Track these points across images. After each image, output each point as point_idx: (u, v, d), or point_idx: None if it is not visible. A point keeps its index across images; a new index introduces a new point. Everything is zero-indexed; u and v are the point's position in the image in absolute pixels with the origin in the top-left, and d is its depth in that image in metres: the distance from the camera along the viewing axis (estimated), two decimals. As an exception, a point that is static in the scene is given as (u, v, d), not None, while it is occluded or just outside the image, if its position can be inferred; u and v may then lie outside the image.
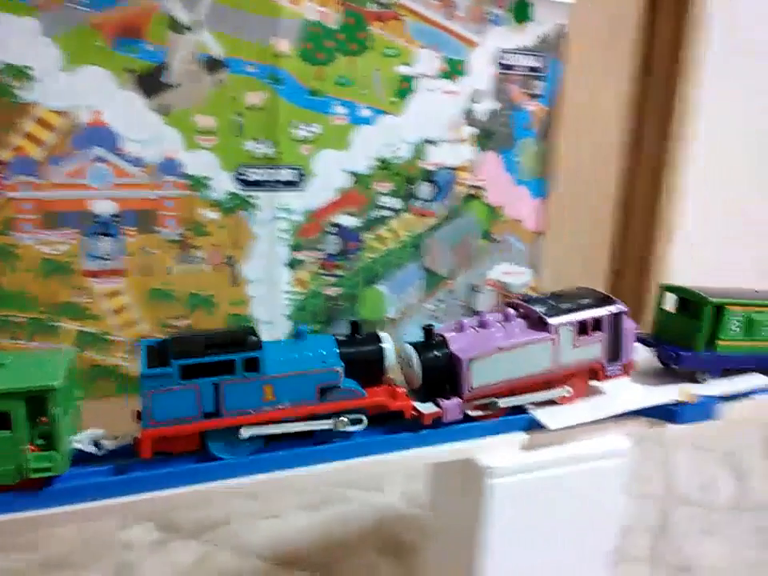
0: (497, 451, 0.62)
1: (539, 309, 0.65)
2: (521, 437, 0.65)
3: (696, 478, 1.14)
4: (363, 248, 1.20)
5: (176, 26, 0.98)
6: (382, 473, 0.85)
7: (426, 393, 0.62)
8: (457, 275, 1.31)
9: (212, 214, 1.06)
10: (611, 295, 0.70)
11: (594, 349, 0.67)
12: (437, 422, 0.61)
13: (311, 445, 0.58)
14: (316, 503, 0.98)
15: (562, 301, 0.67)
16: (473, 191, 1.28)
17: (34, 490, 0.51)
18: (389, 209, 1.20)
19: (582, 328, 0.65)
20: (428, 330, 0.63)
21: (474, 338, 0.63)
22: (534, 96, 1.29)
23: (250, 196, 1.08)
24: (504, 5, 1.21)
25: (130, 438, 0.55)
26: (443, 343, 0.62)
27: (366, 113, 1.14)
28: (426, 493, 0.76)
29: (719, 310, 0.73)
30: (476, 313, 1.35)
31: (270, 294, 1.13)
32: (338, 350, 0.58)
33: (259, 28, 1.03)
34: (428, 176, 1.23)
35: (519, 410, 0.66)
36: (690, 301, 0.76)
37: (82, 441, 0.54)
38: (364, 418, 0.58)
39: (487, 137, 1.26)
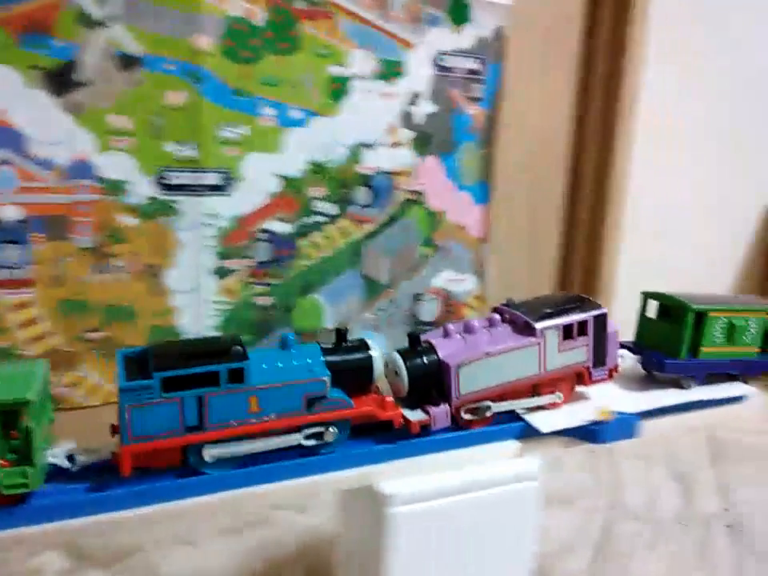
0: (403, 477, 0.57)
1: (524, 314, 0.65)
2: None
3: (641, 489, 1.10)
4: (297, 255, 1.15)
5: (87, 21, 0.92)
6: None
7: (413, 401, 0.61)
8: (398, 283, 1.26)
9: (131, 220, 1.00)
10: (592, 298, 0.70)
11: (579, 353, 0.67)
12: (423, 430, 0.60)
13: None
14: (239, 527, 0.92)
15: (545, 305, 0.67)
16: (413, 196, 1.24)
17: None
18: (324, 214, 1.16)
19: (568, 332, 0.66)
20: (414, 337, 0.62)
21: (461, 343, 0.62)
22: (474, 99, 1.26)
23: (172, 201, 1.03)
24: (441, 5, 1.18)
25: (108, 452, 0.52)
26: (430, 349, 0.62)
27: (296, 114, 1.10)
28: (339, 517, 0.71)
29: (701, 316, 0.73)
30: (419, 322, 1.31)
31: (195, 305, 1.07)
32: (323, 359, 0.57)
33: (179, 24, 0.98)
34: (365, 181, 1.18)
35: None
36: (671, 307, 0.75)
37: (56, 455, 0.52)
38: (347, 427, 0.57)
39: (426, 141, 1.23)
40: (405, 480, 0.57)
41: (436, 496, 0.57)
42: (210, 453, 0.52)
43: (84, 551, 0.89)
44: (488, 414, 0.63)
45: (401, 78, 1.18)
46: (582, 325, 0.66)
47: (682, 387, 0.75)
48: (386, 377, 0.62)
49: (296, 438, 0.55)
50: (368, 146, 1.17)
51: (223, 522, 0.92)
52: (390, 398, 0.59)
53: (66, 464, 0.52)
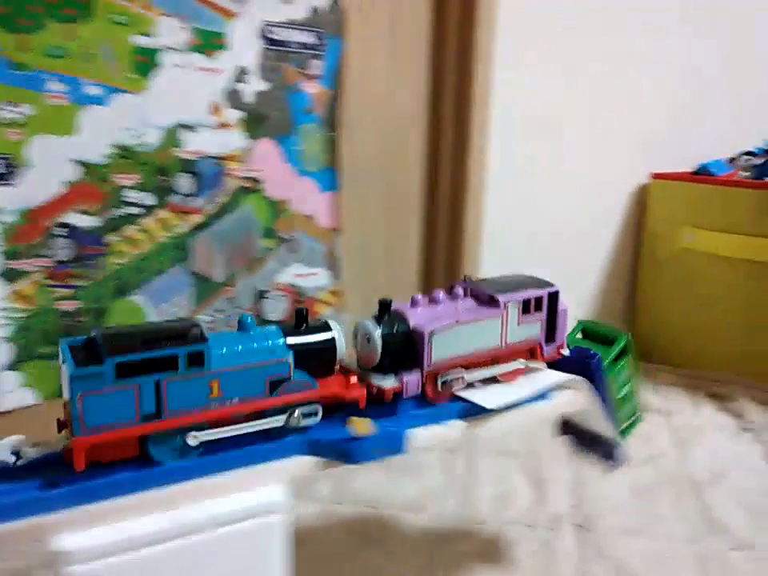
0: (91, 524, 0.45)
1: (487, 288, 0.67)
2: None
3: (494, 490, 1.02)
4: (108, 253, 1.01)
5: None
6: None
7: (383, 370, 0.60)
8: (237, 280, 1.14)
9: None
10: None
11: (534, 328, 0.69)
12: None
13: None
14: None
15: (504, 282, 0.69)
16: (247, 184, 1.12)
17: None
18: (138, 205, 1.02)
19: (526, 306, 0.68)
20: (384, 304, 0.61)
21: (431, 312, 0.63)
22: (312, 76, 1.15)
23: (-62, 192, 0.87)
24: (265, -29, 1.07)
25: (59, 446, 0.49)
26: (401, 317, 0.61)
27: (93, 90, 0.96)
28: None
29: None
30: (265, 322, 1.19)
31: (-24, 313, 0.92)
32: (285, 341, 0.55)
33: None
34: (187, 166, 1.06)
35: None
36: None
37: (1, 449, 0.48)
38: (319, 410, 0.55)
39: (259, 121, 1.11)
40: (92, 529, 0.44)
41: (131, 547, 0.44)
42: (194, 436, 0.49)
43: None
44: (459, 384, 0.62)
45: (223, 52, 1.06)
46: (538, 301, 0.69)
47: None
48: (356, 347, 0.61)
49: (281, 419, 0.53)
50: (188, 127, 1.05)
51: None
52: (355, 379, 0.58)
53: (10, 459, 0.48)
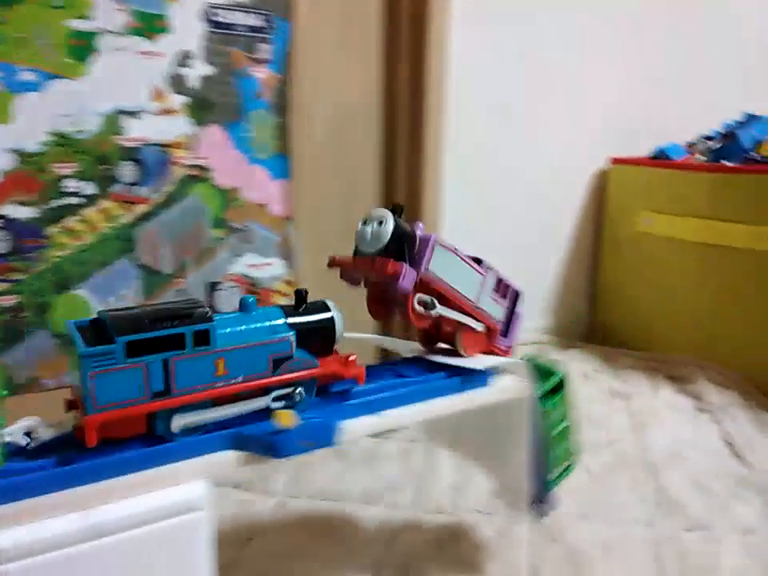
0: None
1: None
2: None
3: (451, 479, 1.01)
4: (48, 245, 0.97)
5: None
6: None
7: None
8: (187, 271, 1.11)
9: None
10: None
11: (499, 310, 0.70)
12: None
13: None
14: None
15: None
16: (195, 172, 1.09)
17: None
18: (78, 195, 0.99)
19: (498, 284, 0.69)
20: (399, 207, 0.62)
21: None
22: (260, 61, 1.12)
23: None
24: (208, -48, 1.04)
25: (69, 426, 0.50)
26: (408, 227, 0.62)
27: (28, 77, 0.92)
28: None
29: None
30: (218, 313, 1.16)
31: None
32: (286, 321, 0.56)
33: None
34: (130, 154, 1.02)
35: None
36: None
37: (12, 432, 0.48)
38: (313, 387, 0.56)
39: (205, 107, 1.08)
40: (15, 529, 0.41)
41: (39, 550, 0.42)
42: (178, 422, 0.49)
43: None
44: (433, 312, 0.62)
45: (165, 35, 1.02)
46: (506, 288, 0.71)
47: None
48: (362, 234, 0.62)
49: (264, 402, 0.53)
50: (130, 113, 1.01)
51: None
52: (354, 357, 0.58)
53: (23, 441, 0.48)
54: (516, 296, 0.72)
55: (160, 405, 0.49)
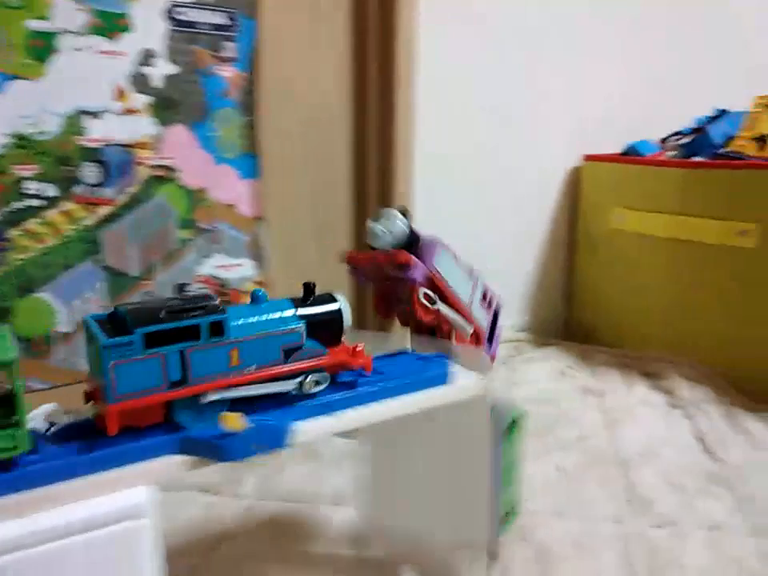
0: None
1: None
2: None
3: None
4: (9, 248, 0.96)
5: None
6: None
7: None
8: (155, 273, 1.10)
9: None
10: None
11: (484, 318, 0.72)
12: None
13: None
14: None
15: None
16: (161, 172, 1.07)
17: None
18: (39, 197, 0.97)
19: (484, 295, 0.72)
20: (404, 210, 0.67)
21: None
22: (226, 59, 1.11)
23: None
24: (170, -50, 1.02)
25: (89, 414, 0.51)
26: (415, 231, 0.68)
27: (-15, 77, 0.91)
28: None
29: None
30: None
31: None
32: (296, 312, 0.58)
33: None
34: (92, 155, 1.01)
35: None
36: None
37: (33, 418, 0.50)
38: (327, 376, 0.58)
39: (170, 107, 1.07)
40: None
41: None
42: (207, 396, 0.51)
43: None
44: (434, 306, 0.65)
45: (127, 34, 1.01)
46: (491, 299, 0.74)
47: None
48: (374, 230, 0.65)
49: (289, 384, 0.56)
50: (92, 113, 1.00)
51: None
52: (361, 347, 0.60)
53: (44, 427, 0.50)
54: (498, 308, 0.75)
55: (178, 394, 0.50)
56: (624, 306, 1.54)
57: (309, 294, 0.60)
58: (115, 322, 0.51)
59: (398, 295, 0.67)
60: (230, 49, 1.10)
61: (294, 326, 0.56)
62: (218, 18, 1.08)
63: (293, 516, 0.92)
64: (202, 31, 1.07)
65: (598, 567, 0.83)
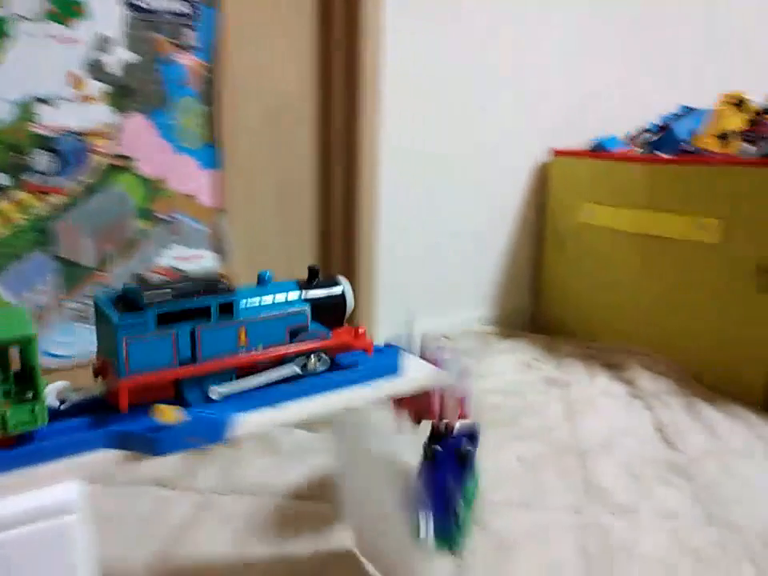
0: None
1: None
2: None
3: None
4: (-43, 237, 0.93)
5: None
6: None
7: None
8: (110, 265, 1.08)
9: None
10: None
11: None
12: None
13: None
14: None
15: None
16: (118, 161, 1.05)
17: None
18: (-11, 185, 0.95)
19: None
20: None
21: None
22: (186, 48, 1.09)
23: None
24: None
25: (98, 390, 0.52)
26: None
27: (-69, 61, 0.88)
28: None
29: None
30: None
31: None
32: (301, 294, 0.59)
33: None
34: (45, 143, 0.98)
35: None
36: None
37: (48, 394, 0.50)
38: (328, 357, 0.59)
39: (127, 95, 1.05)
40: None
41: None
42: (216, 390, 0.53)
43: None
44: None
45: (83, 20, 0.99)
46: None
47: None
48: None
49: (292, 369, 0.57)
50: (45, 101, 0.97)
51: None
52: (363, 330, 0.61)
53: (56, 402, 0.50)
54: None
55: (188, 371, 0.52)
56: (592, 299, 1.55)
57: (313, 277, 0.61)
58: (124, 301, 0.51)
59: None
60: (190, 37, 1.09)
61: (299, 308, 0.57)
62: (178, 6, 1.07)
63: (251, 510, 0.91)
64: (161, 19, 1.05)
65: (556, 556, 0.82)
